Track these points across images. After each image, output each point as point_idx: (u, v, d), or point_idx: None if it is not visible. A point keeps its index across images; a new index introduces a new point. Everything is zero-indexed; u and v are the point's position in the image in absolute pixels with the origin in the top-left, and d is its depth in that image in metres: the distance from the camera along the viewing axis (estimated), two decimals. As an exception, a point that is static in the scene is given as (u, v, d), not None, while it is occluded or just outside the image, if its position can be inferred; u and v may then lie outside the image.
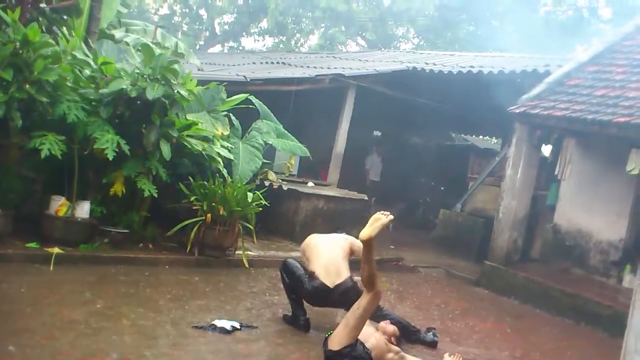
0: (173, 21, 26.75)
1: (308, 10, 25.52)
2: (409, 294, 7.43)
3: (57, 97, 5.96)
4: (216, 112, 7.82)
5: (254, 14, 26.79)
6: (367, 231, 3.98)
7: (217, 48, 28.63)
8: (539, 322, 7.14)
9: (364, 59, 13.38)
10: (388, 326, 4.76)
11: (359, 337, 4.11)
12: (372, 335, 4.42)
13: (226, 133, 7.77)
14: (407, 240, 10.98)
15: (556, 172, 8.65)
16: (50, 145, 5.73)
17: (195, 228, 6.72)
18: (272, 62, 13.92)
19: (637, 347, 4.19)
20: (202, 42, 27.90)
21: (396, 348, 4.52)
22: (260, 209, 7.21)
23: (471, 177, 11.98)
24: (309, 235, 5.73)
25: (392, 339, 4.65)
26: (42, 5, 7.21)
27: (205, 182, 6.92)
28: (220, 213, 6.74)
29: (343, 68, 10.97)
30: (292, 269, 5.26)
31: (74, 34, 6.93)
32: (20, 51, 5.69)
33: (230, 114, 8.12)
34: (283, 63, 13.47)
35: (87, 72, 6.51)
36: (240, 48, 28.18)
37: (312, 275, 5.06)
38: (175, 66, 6.45)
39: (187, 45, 13.46)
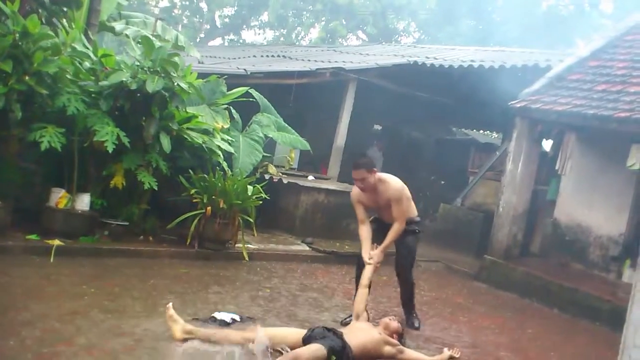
0: (173, 14, 26.68)
1: (309, 4, 25.47)
2: (409, 288, 7.43)
3: (57, 89, 5.95)
4: (216, 105, 7.81)
5: (254, 7, 26.72)
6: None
7: (217, 41, 28.58)
8: (538, 317, 7.15)
9: (365, 53, 13.34)
10: (392, 322, 4.73)
11: (348, 336, 4.20)
12: (367, 331, 4.47)
13: (226, 126, 7.76)
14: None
15: (556, 167, 8.64)
16: (50, 137, 5.73)
17: (195, 221, 6.73)
18: (273, 56, 13.88)
19: (636, 342, 4.19)
20: (202, 35, 27.84)
21: (395, 342, 4.53)
22: (261, 202, 7.21)
23: (471, 172, 11.96)
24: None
25: (395, 335, 4.64)
26: (42, -4, 7.18)
27: (206, 175, 6.92)
28: (221, 206, 6.74)
29: (344, 62, 10.93)
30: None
31: (73, 26, 6.91)
32: (20, 43, 5.67)
33: (231, 107, 8.11)
34: (284, 56, 13.43)
35: (87, 64, 6.49)
36: (241, 41, 28.13)
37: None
38: (176, 59, 6.43)
39: (188, 38, 13.43)
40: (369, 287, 5.09)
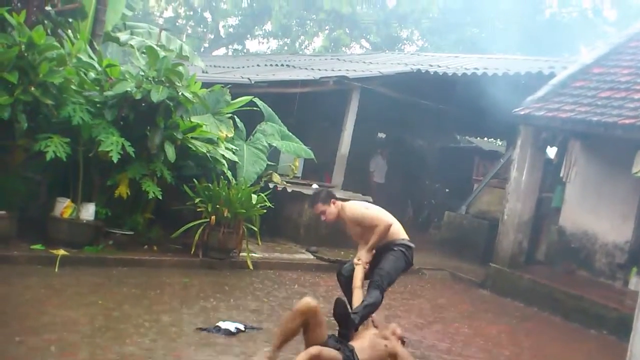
0: (177, 24, 26.77)
1: (312, 13, 25.54)
2: (414, 297, 7.41)
3: (62, 100, 5.99)
4: (220, 115, 7.84)
5: (258, 16, 26.81)
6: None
7: (221, 51, 28.67)
8: (544, 325, 7.11)
9: (369, 61, 13.37)
10: (397, 329, 4.82)
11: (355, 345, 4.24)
12: (374, 345, 4.49)
13: (230, 135, 7.78)
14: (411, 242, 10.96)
15: (561, 174, 8.63)
16: (55, 147, 5.76)
17: (200, 230, 6.73)
18: (277, 65, 13.92)
19: (643, 350, 4.17)
20: (206, 45, 27.93)
21: (391, 345, 4.57)
22: (265, 211, 7.22)
23: (476, 179, 11.95)
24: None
25: (399, 341, 4.68)
26: (48, 8, 7.25)
27: (210, 184, 6.93)
28: (225, 215, 6.74)
29: (347, 70, 10.95)
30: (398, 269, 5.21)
31: (79, 37, 6.95)
32: (26, 54, 5.71)
33: (235, 116, 8.13)
34: (287, 65, 13.47)
35: (92, 74, 6.53)
36: (245, 51, 28.22)
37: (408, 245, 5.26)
38: (180, 68, 6.47)
39: (192, 48, 13.46)
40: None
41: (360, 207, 5.31)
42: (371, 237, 5.13)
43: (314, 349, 3.84)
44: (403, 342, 4.81)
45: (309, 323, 4.04)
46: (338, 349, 4.08)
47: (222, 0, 26.25)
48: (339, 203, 5.28)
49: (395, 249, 5.19)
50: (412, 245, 5.34)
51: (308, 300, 4.06)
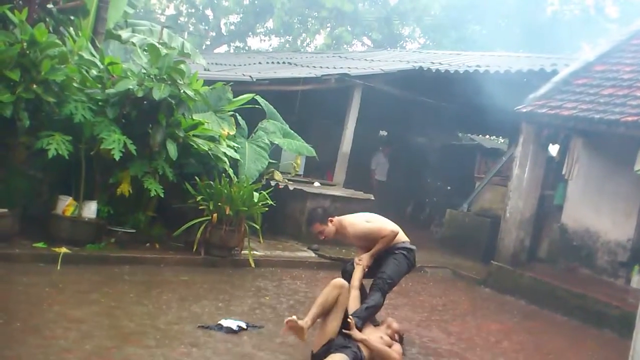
0: (179, 21, 26.78)
1: (314, 10, 25.50)
2: (415, 294, 7.41)
3: (64, 97, 5.98)
4: (222, 112, 7.84)
5: (260, 14, 26.80)
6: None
7: (223, 48, 28.67)
8: (546, 323, 7.10)
9: (370, 59, 13.36)
10: (394, 323, 4.92)
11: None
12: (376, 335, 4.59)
13: (232, 133, 7.78)
14: (413, 240, 10.95)
15: (563, 172, 8.61)
16: (57, 145, 5.76)
17: (202, 228, 6.73)
18: (278, 62, 13.92)
19: (646, 348, 4.17)
20: (208, 42, 27.93)
21: (387, 338, 4.65)
22: (267, 208, 7.22)
23: (478, 177, 11.94)
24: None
25: (396, 335, 4.80)
26: (50, 5, 7.25)
27: (212, 182, 6.93)
28: (227, 213, 6.74)
29: (349, 68, 10.95)
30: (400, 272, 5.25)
31: (80, 35, 6.95)
32: (28, 51, 5.71)
33: (237, 114, 8.14)
34: (289, 63, 13.46)
35: (94, 72, 6.53)
36: (247, 48, 28.21)
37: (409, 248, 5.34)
38: (182, 66, 6.46)
39: (194, 46, 13.47)
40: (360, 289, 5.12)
41: (362, 222, 5.30)
42: (375, 244, 5.17)
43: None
44: (401, 337, 4.87)
45: (339, 300, 4.29)
46: (345, 346, 4.19)
47: (223, -3, 26.26)
48: (337, 220, 5.30)
49: (397, 252, 5.22)
50: (413, 247, 5.38)
51: (341, 279, 4.58)
